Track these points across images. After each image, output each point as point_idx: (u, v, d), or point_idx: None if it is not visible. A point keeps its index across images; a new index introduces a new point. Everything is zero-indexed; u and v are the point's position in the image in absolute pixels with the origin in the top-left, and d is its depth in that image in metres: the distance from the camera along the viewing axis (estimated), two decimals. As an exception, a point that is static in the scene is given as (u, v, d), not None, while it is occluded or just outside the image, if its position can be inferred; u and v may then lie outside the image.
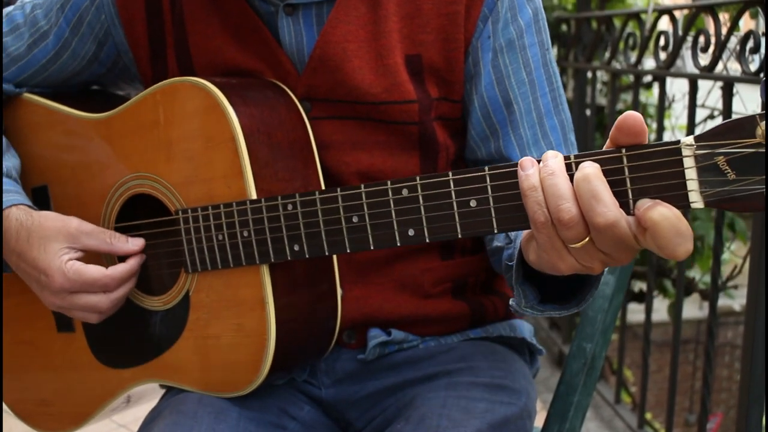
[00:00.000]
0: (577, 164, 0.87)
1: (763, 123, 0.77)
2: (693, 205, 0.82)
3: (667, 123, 3.58)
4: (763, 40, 1.95)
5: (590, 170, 0.85)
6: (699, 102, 2.55)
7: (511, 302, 1.05)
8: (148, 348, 1.26)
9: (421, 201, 0.98)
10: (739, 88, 2.47)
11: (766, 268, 1.93)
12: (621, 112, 4.35)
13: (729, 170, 0.80)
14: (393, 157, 1.23)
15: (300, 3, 1.20)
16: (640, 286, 3.90)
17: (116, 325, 1.28)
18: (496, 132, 1.23)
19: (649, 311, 2.75)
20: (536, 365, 1.45)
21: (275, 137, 1.16)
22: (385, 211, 1.01)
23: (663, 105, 2.73)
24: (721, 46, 2.17)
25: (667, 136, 3.43)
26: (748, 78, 2.02)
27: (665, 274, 3.71)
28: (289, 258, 1.09)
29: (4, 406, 1.46)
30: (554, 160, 0.88)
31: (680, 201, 0.83)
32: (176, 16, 1.28)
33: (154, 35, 1.29)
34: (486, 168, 0.93)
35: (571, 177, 0.87)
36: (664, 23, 2.63)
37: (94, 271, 1.19)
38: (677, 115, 3.84)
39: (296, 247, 1.08)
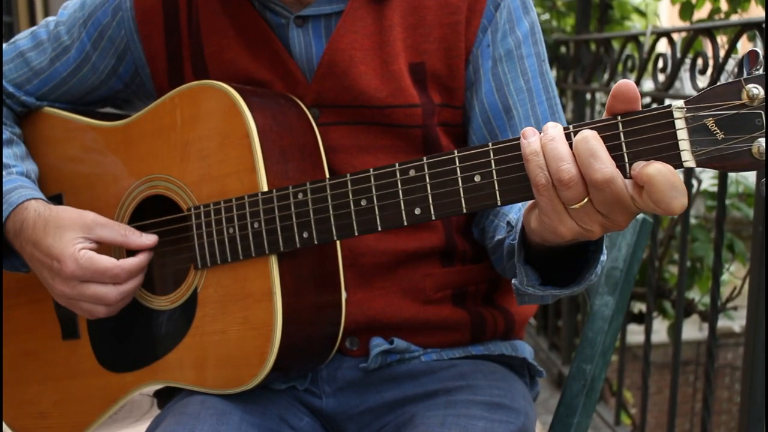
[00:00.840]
0: (576, 133, 0.93)
1: (748, 86, 0.85)
2: (685, 164, 0.88)
3: (665, 144, 3.58)
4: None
5: (588, 132, 0.92)
6: (697, 124, 2.55)
7: (513, 281, 1.10)
8: (153, 349, 1.28)
9: (427, 179, 1.03)
10: (738, 110, 2.48)
11: (766, 289, 1.94)
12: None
13: (717, 130, 0.86)
14: (398, 160, 1.25)
15: (310, 15, 1.28)
16: (639, 307, 3.90)
17: (122, 326, 1.30)
18: (496, 137, 1.28)
19: (648, 332, 2.75)
20: (536, 389, 1.45)
21: (286, 139, 1.20)
22: (393, 192, 1.06)
23: (662, 127, 2.73)
24: (719, 69, 2.19)
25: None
26: (746, 100, 2.03)
27: (665, 296, 3.71)
28: (298, 245, 1.13)
29: (4, 426, 1.46)
30: (554, 128, 0.95)
31: (673, 161, 0.89)
32: (193, 29, 1.34)
33: (171, 49, 1.35)
34: (489, 143, 0.99)
35: (570, 145, 0.93)
36: (663, 46, 2.65)
37: (107, 260, 1.22)
38: (676, 136, 3.85)
39: (305, 234, 1.13)
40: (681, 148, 0.88)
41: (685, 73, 2.45)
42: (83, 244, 1.24)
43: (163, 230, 1.29)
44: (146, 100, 1.43)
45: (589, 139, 0.91)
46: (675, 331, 2.62)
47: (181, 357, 1.25)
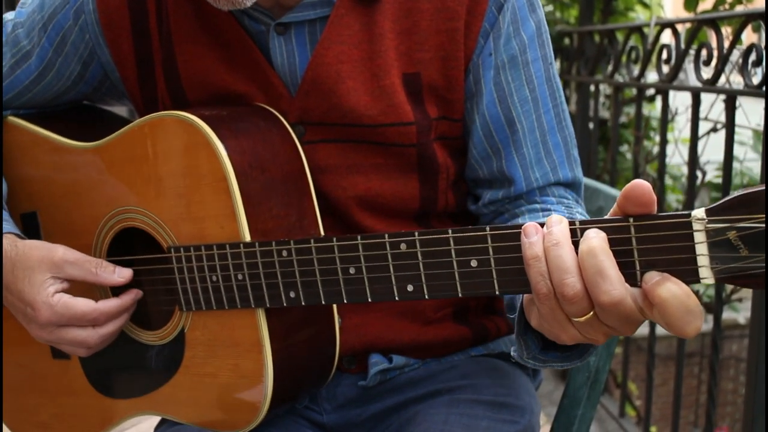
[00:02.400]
0: (582, 231, 0.84)
1: None
2: (703, 281, 0.79)
3: (670, 136, 3.58)
4: (765, 54, 1.96)
5: (596, 243, 0.82)
6: (702, 115, 2.56)
7: (512, 353, 1.02)
8: (145, 381, 1.24)
9: (419, 257, 0.95)
10: (742, 101, 2.47)
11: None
12: (624, 125, 4.37)
13: (741, 246, 0.76)
14: (391, 180, 1.20)
15: (292, 22, 1.17)
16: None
17: (111, 356, 1.25)
18: (499, 151, 1.20)
19: (653, 324, 2.74)
20: (539, 377, 1.44)
21: (269, 172, 1.13)
22: (383, 265, 0.97)
23: (666, 118, 2.73)
24: (723, 60, 2.18)
25: (670, 150, 3.43)
26: (751, 91, 2.03)
27: (669, 287, 3.69)
28: (285, 305, 1.07)
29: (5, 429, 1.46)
30: (559, 227, 0.84)
31: (690, 276, 0.80)
32: (164, 34, 1.24)
33: (141, 54, 1.26)
34: (487, 228, 0.90)
35: (576, 244, 0.84)
36: (667, 37, 2.64)
37: (83, 304, 1.15)
38: (680, 128, 3.85)
39: (292, 294, 1.06)
40: (699, 263, 0.79)
41: (689, 65, 2.44)
42: (55, 286, 1.15)
43: (145, 268, 1.21)
44: (120, 99, 1.38)
45: (597, 253, 0.81)
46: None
47: (174, 393, 1.21)
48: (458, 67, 1.16)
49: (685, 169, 3.29)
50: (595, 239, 0.82)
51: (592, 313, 0.84)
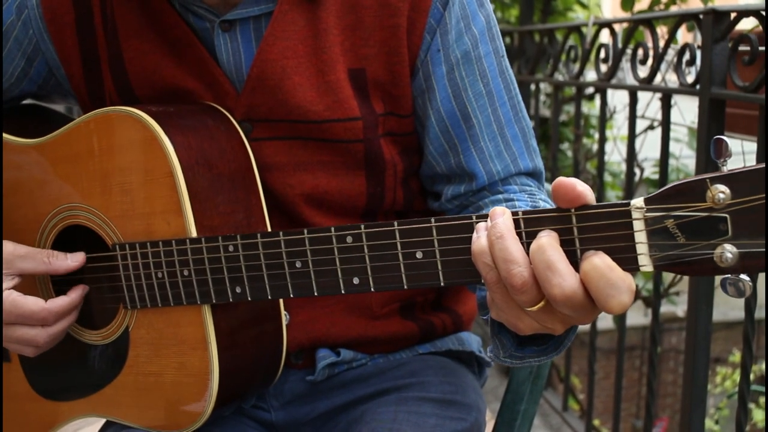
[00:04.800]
0: (525, 221, 0.85)
1: (714, 186, 0.75)
2: (642, 268, 0.81)
3: (608, 134, 3.64)
4: (698, 53, 2.01)
5: (544, 240, 0.82)
6: (639, 113, 2.60)
7: (489, 353, 1.01)
8: (88, 382, 1.22)
9: (365, 250, 0.95)
10: (677, 99, 2.53)
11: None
12: (564, 123, 4.41)
13: (679, 234, 0.78)
14: (338, 178, 1.20)
15: (236, 19, 1.16)
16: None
17: (53, 357, 1.23)
18: (456, 147, 1.20)
19: (594, 319, 2.78)
20: (484, 375, 1.45)
21: (215, 168, 1.12)
22: (329, 258, 0.98)
23: (604, 116, 2.78)
24: (659, 59, 2.23)
25: (609, 147, 3.49)
26: (686, 89, 2.07)
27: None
28: (231, 300, 1.06)
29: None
30: (502, 219, 0.85)
31: (630, 263, 0.81)
32: (109, 30, 1.22)
33: (86, 51, 1.24)
34: (432, 220, 0.90)
35: (519, 234, 0.85)
36: (605, 36, 2.68)
37: (32, 303, 1.13)
38: (618, 126, 3.92)
39: (238, 290, 1.05)
40: (638, 251, 0.80)
41: (626, 63, 2.49)
42: (6, 284, 1.13)
43: (89, 266, 1.20)
44: (65, 98, 1.36)
45: (546, 248, 0.81)
46: (620, 317, 2.66)
47: (117, 394, 1.19)
48: (402, 63, 1.16)
49: (623, 166, 3.35)
50: (544, 237, 0.83)
51: (543, 301, 0.84)
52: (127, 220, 1.14)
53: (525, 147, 1.23)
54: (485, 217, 0.87)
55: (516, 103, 1.23)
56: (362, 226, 0.95)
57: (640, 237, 0.80)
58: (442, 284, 0.92)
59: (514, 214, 0.86)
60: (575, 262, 0.83)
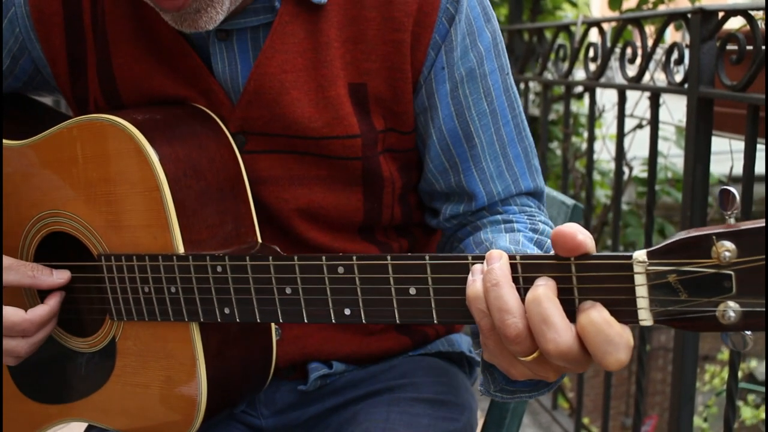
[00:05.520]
0: (523, 266, 0.82)
1: (720, 243, 0.73)
2: (642, 323, 0.78)
3: (597, 132, 3.65)
4: (687, 52, 2.01)
5: (541, 291, 0.79)
6: (628, 112, 2.62)
7: (479, 387, 0.99)
8: (75, 388, 1.20)
9: (357, 282, 0.92)
10: (666, 98, 2.54)
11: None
12: (553, 122, 4.42)
13: (681, 289, 0.76)
14: (334, 193, 1.17)
15: (233, 29, 1.12)
16: (575, 292, 3.95)
17: (40, 362, 1.22)
18: (456, 165, 1.17)
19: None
20: (475, 375, 1.45)
21: (204, 179, 1.09)
22: (320, 288, 0.95)
23: (593, 115, 2.79)
24: (647, 58, 2.23)
25: (598, 146, 3.50)
26: (674, 88, 2.08)
27: (599, 281, 3.77)
28: (219, 320, 1.04)
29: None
30: (498, 264, 0.81)
31: (629, 317, 0.78)
32: (99, 33, 1.19)
33: (73, 52, 1.21)
34: (426, 257, 0.87)
35: (516, 279, 0.82)
36: (594, 35, 2.69)
37: (13, 315, 1.10)
38: (607, 124, 3.93)
39: (227, 311, 1.03)
40: (639, 305, 0.78)
41: (615, 62, 2.50)
42: None
43: (76, 275, 1.17)
44: (53, 93, 1.34)
45: (542, 300, 0.78)
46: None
47: (106, 401, 1.18)
48: (405, 79, 1.12)
49: (612, 165, 3.36)
50: (541, 287, 0.79)
51: (537, 352, 0.81)
52: (113, 231, 1.11)
53: (527, 167, 1.20)
54: (481, 258, 0.84)
55: (520, 121, 1.20)
56: (354, 257, 0.92)
57: (641, 291, 0.77)
58: (435, 321, 0.89)
59: (512, 258, 0.82)
60: (572, 311, 0.79)
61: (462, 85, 1.14)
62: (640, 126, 3.61)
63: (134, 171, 1.07)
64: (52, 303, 1.14)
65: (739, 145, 1.93)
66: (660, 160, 3.42)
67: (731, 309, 0.74)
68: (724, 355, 7.65)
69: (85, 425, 1.30)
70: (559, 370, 0.83)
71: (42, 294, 1.20)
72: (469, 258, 0.86)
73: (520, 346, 0.80)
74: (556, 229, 0.79)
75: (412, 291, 0.89)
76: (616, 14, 3.26)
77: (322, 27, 1.11)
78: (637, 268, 0.77)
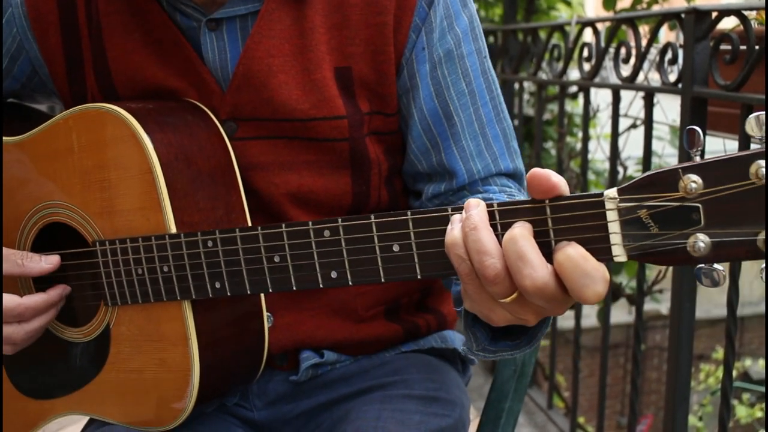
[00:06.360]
0: (500, 212, 0.85)
1: (686, 176, 0.76)
2: (616, 258, 0.81)
3: (592, 132, 3.66)
4: (681, 52, 2.02)
5: (517, 230, 0.82)
6: (622, 111, 2.62)
7: (462, 347, 1.00)
8: (70, 379, 1.21)
9: (343, 244, 0.96)
10: (660, 98, 2.55)
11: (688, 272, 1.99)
12: (548, 122, 4.42)
13: (652, 224, 0.79)
14: (323, 177, 1.20)
15: (223, 17, 1.17)
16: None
17: (35, 355, 1.23)
18: (437, 145, 1.20)
19: (578, 317, 2.80)
20: (468, 373, 1.46)
21: (195, 165, 1.12)
22: (308, 253, 0.98)
23: (588, 114, 2.79)
24: (641, 58, 2.24)
25: (592, 145, 3.51)
26: (668, 88, 2.09)
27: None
28: (210, 295, 1.07)
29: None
30: (476, 210, 0.84)
31: (603, 254, 0.81)
32: (93, 29, 1.22)
33: (69, 50, 1.24)
34: (408, 213, 0.91)
35: (494, 226, 0.85)
36: (588, 35, 2.69)
37: (8, 299, 1.12)
38: (602, 124, 3.93)
39: (217, 285, 1.06)
40: (612, 241, 0.81)
41: (609, 62, 2.50)
42: None
43: (70, 263, 1.19)
44: (49, 97, 1.35)
45: (518, 239, 0.81)
46: (604, 315, 2.68)
47: (100, 390, 1.19)
48: (388, 62, 1.16)
49: (607, 164, 3.37)
50: (517, 228, 0.82)
51: (516, 293, 0.83)
52: (107, 217, 1.14)
53: (506, 148, 1.24)
54: (461, 209, 0.87)
55: (498, 104, 1.23)
56: (339, 220, 0.95)
57: (614, 227, 0.81)
58: (419, 277, 0.92)
59: (489, 206, 0.85)
60: (549, 254, 0.82)
61: (441, 66, 1.18)
62: (634, 126, 3.61)
63: (128, 156, 1.10)
64: (51, 293, 1.16)
65: (733, 144, 1.93)
66: (654, 160, 3.43)
67: (701, 240, 0.77)
68: (719, 354, 7.67)
69: (83, 425, 1.31)
70: (539, 311, 0.86)
71: (37, 285, 1.21)
72: (449, 210, 0.89)
73: (499, 286, 0.83)
74: (530, 172, 0.82)
75: (396, 248, 0.93)
76: (610, 14, 3.26)
77: (307, 14, 1.16)
78: (608, 205, 0.80)
